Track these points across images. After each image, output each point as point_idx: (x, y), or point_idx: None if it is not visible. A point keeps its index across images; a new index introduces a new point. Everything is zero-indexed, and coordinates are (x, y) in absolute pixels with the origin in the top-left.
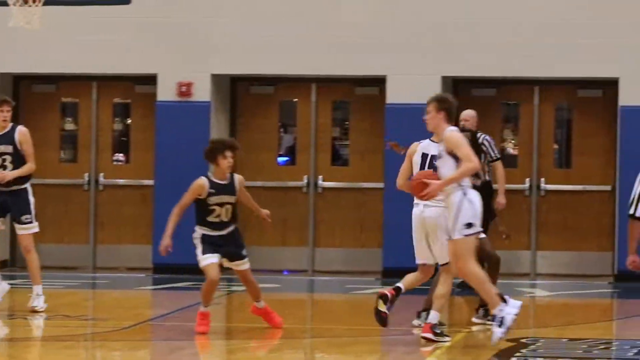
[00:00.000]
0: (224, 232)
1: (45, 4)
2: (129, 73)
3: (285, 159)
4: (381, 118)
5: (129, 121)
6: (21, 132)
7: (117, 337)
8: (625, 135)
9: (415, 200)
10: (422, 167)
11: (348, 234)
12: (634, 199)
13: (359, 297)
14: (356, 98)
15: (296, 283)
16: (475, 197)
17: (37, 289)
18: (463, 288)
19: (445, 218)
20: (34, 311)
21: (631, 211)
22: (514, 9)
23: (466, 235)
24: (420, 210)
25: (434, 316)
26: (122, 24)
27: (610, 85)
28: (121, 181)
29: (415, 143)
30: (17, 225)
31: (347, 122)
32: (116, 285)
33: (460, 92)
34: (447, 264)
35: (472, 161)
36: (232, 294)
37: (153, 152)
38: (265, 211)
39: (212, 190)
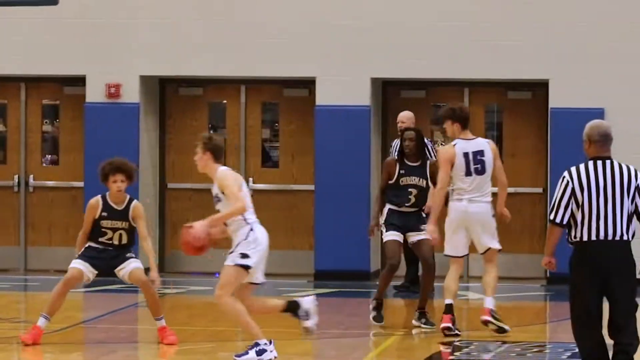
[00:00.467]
0: (112, 252)
1: None
2: (57, 74)
3: None
4: (311, 120)
5: (58, 122)
6: None
7: (49, 340)
8: (556, 137)
9: (457, 195)
10: (467, 165)
11: (279, 236)
12: (554, 204)
13: (291, 299)
14: (285, 100)
15: None
16: (262, 235)
17: None
18: (400, 290)
19: (488, 212)
20: None
21: (551, 217)
22: (444, 10)
23: (237, 265)
24: (465, 205)
25: (491, 301)
26: (51, 25)
27: (540, 87)
28: (51, 183)
29: (447, 147)
30: None
31: (276, 124)
32: (47, 287)
33: (389, 94)
34: (488, 251)
35: (239, 201)
36: (164, 297)
37: (82, 154)
38: (157, 279)
39: (104, 214)
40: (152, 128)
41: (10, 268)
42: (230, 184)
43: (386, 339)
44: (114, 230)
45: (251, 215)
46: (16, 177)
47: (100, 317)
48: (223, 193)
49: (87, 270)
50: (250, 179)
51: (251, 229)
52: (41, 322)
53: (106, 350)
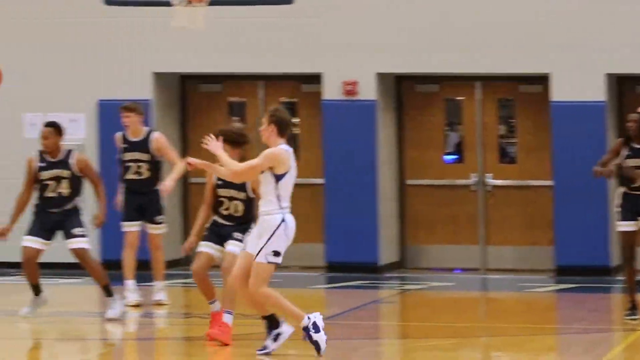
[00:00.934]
0: (233, 224)
1: (209, 4)
2: (295, 72)
3: (452, 157)
4: (546, 115)
5: (296, 120)
6: (156, 139)
7: (291, 337)
8: None
9: None
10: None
11: (518, 231)
12: None
13: (532, 295)
14: (520, 96)
15: (468, 281)
16: (292, 224)
17: (160, 284)
18: None
19: None
20: (160, 304)
21: None
22: None
23: (269, 262)
24: None
25: None
26: (287, 23)
27: None
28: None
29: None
30: (150, 225)
31: (512, 120)
32: (289, 283)
33: (624, 89)
34: None
35: (239, 169)
36: (406, 293)
37: (321, 150)
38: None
39: (220, 182)
40: (389, 125)
41: None
42: (266, 156)
43: (630, 335)
44: (230, 199)
45: (286, 203)
46: None
47: (342, 314)
48: (270, 170)
49: (214, 251)
50: (489, 175)
51: (283, 220)
52: (226, 318)
53: (350, 347)
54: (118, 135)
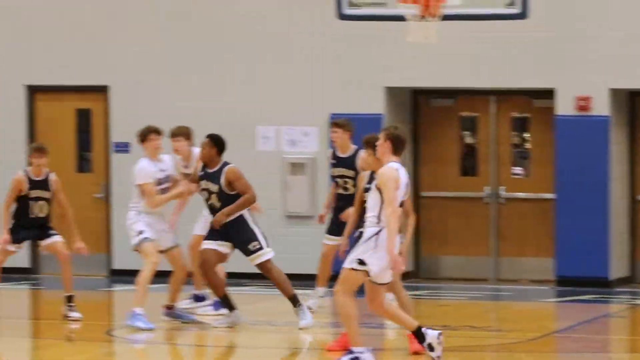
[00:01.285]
0: None
1: (442, 19)
2: (527, 87)
3: None
4: None
5: (527, 135)
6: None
7: (523, 349)
8: None
9: None
10: None
11: None
12: None
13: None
14: None
15: None
16: (383, 242)
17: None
18: None
19: None
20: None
21: None
22: None
23: (353, 269)
24: None
25: None
26: (520, 38)
27: None
28: (521, 194)
29: None
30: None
31: None
32: (519, 297)
33: None
34: None
35: (391, 206)
36: (636, 307)
37: (553, 166)
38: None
39: (368, 186)
40: (621, 141)
41: (482, 277)
42: (391, 188)
43: None
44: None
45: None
46: (487, 188)
47: (572, 327)
48: (377, 188)
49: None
50: None
51: (377, 233)
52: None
53: None
54: (329, 150)
